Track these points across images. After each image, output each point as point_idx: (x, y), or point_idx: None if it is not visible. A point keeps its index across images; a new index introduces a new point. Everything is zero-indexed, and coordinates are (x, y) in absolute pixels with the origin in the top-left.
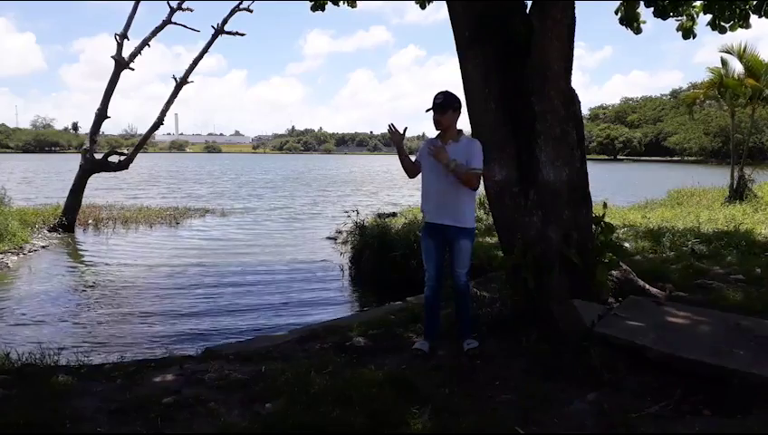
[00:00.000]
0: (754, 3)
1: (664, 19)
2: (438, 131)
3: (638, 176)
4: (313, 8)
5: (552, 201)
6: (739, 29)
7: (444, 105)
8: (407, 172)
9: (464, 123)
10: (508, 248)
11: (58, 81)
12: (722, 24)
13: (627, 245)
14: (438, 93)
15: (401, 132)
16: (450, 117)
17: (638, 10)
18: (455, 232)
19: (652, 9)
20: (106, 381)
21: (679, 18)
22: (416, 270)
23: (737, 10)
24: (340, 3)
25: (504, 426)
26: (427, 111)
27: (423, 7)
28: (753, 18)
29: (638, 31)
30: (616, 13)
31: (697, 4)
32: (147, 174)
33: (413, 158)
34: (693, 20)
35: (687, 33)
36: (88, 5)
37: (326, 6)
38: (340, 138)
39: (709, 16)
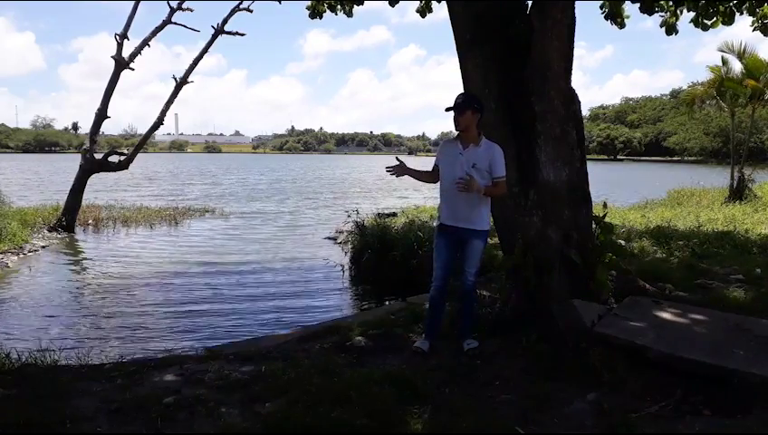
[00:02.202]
0: (734, 1)
1: (650, 14)
2: (458, 132)
3: (638, 176)
4: (311, 16)
5: (552, 201)
6: (733, 27)
7: (463, 105)
8: (430, 182)
9: None
10: (508, 248)
11: (57, 80)
12: (704, 21)
13: (625, 244)
14: (460, 94)
15: (400, 164)
16: (469, 118)
17: (625, 5)
18: (468, 234)
19: (638, 5)
20: (106, 380)
21: (663, 14)
22: (416, 270)
23: (720, 7)
24: (338, 11)
25: (504, 426)
26: (447, 110)
27: (423, 16)
28: (745, 19)
29: (621, 26)
30: (601, 9)
31: None
32: (146, 174)
33: (430, 164)
34: (676, 16)
35: (671, 29)
36: (87, 5)
37: (324, 15)
38: (340, 138)
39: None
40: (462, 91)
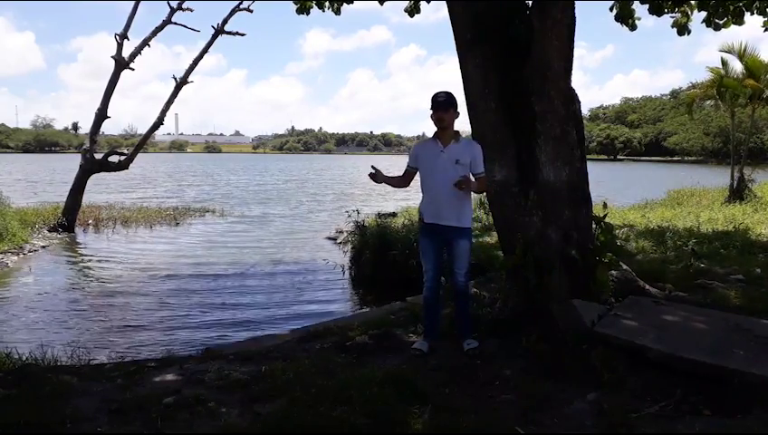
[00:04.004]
0: (744, 0)
1: (659, 15)
2: (436, 131)
3: (638, 176)
4: (298, 11)
5: (552, 201)
6: (734, 26)
7: (447, 103)
8: (401, 187)
9: (461, 123)
10: (508, 248)
11: (57, 80)
12: (716, 20)
13: (625, 244)
14: (440, 92)
15: (376, 172)
16: (452, 115)
17: (633, 7)
18: (454, 232)
19: (647, 6)
20: (106, 381)
21: (674, 15)
22: (416, 270)
23: (730, 7)
24: (326, 8)
25: (504, 426)
26: (432, 107)
27: (411, 16)
28: (752, 18)
29: (632, 28)
30: (611, 10)
31: (692, 2)
32: (146, 174)
33: (404, 166)
34: (687, 16)
35: (682, 29)
36: (86, 5)
37: (311, 10)
38: (340, 138)
39: (704, 13)
40: (463, 91)
